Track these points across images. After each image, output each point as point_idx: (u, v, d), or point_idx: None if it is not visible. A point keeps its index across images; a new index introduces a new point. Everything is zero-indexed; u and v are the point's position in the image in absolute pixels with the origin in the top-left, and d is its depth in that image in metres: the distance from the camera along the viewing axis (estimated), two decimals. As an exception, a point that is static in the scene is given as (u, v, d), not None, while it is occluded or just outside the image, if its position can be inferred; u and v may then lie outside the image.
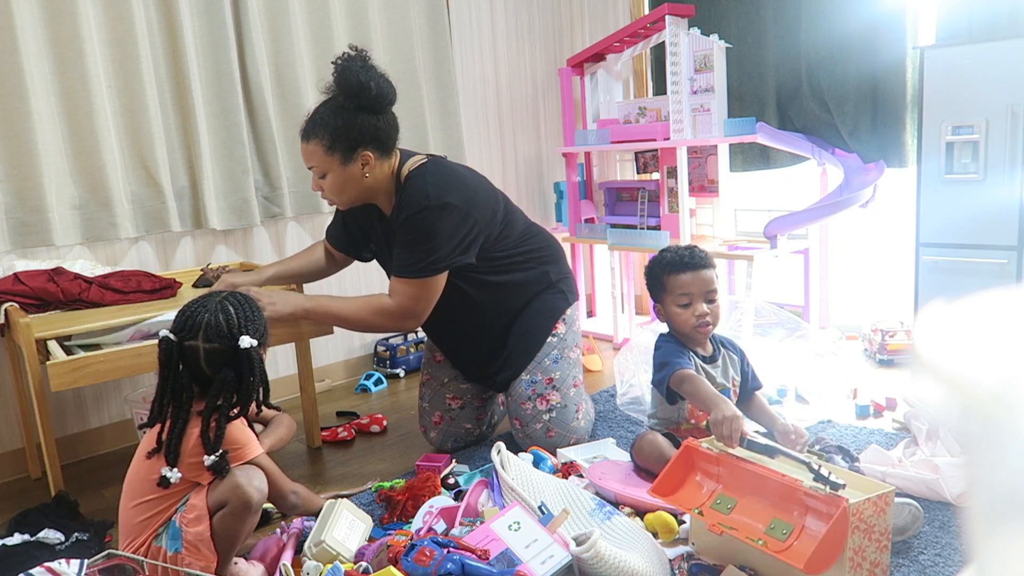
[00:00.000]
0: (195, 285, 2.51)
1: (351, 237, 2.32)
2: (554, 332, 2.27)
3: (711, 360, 2.01)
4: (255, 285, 2.14)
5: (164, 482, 1.54)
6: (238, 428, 1.61)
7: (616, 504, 1.81)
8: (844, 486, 1.42)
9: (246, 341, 1.58)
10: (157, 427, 1.59)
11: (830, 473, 1.44)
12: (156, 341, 1.63)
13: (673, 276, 1.98)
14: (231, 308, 1.63)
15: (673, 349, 1.97)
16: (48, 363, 1.89)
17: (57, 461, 2.03)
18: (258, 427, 1.83)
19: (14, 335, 2.12)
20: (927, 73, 2.38)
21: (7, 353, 2.33)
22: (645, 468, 1.94)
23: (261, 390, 1.63)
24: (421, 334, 3.37)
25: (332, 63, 2.00)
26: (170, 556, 1.53)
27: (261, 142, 2.85)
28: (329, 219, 3.14)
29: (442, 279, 2.08)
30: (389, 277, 2.22)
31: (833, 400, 2.48)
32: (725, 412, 1.67)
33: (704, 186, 3.29)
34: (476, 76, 3.60)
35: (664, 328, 2.07)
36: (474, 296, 2.18)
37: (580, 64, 3.46)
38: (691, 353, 1.98)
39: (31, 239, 2.36)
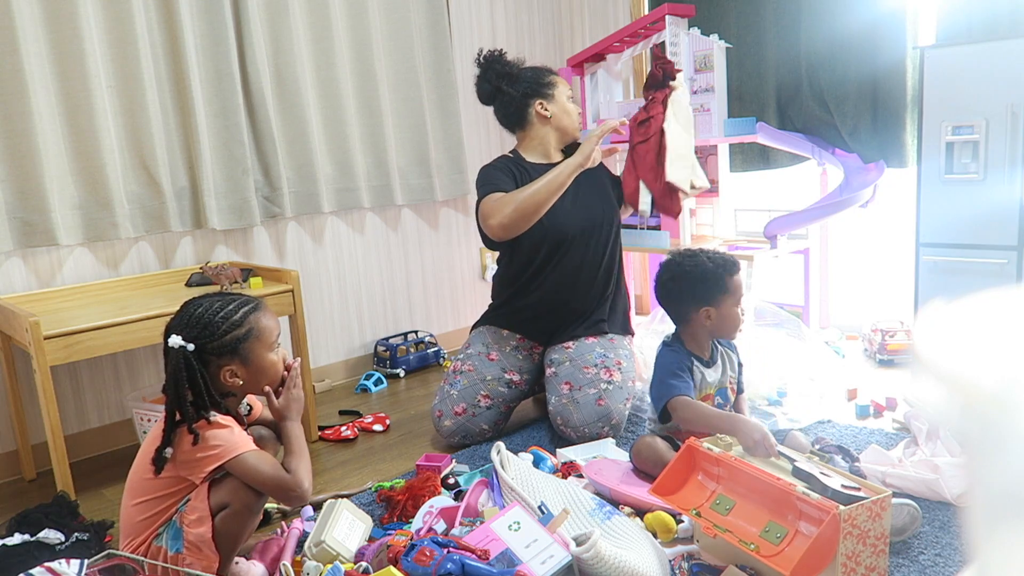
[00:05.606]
0: (188, 284, 2.51)
1: None
2: (632, 338, 2.60)
3: (710, 363, 2.00)
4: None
5: (159, 461, 1.53)
6: (216, 429, 1.54)
7: (616, 504, 1.81)
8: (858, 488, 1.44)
9: (173, 340, 1.54)
10: (160, 423, 1.59)
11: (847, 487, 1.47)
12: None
13: (732, 277, 1.96)
14: (213, 305, 1.60)
15: (677, 362, 1.94)
16: (44, 339, 1.95)
17: (66, 458, 2.04)
18: (264, 431, 1.80)
19: (14, 336, 2.12)
20: (927, 73, 2.38)
21: (1, 355, 2.33)
22: (644, 471, 1.94)
23: (201, 395, 1.54)
24: (422, 334, 3.37)
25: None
26: (171, 556, 1.53)
27: (261, 142, 2.85)
28: (328, 218, 3.15)
29: None
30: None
31: (833, 400, 2.48)
32: (754, 435, 1.65)
33: (704, 186, 3.28)
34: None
35: (663, 332, 2.06)
36: (613, 260, 2.54)
37: (580, 64, 3.45)
38: (694, 361, 1.97)
39: (36, 239, 2.36)
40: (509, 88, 2.48)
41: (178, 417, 1.55)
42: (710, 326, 1.97)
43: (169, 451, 1.54)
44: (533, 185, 2.29)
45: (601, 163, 2.56)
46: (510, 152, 2.57)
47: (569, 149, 2.58)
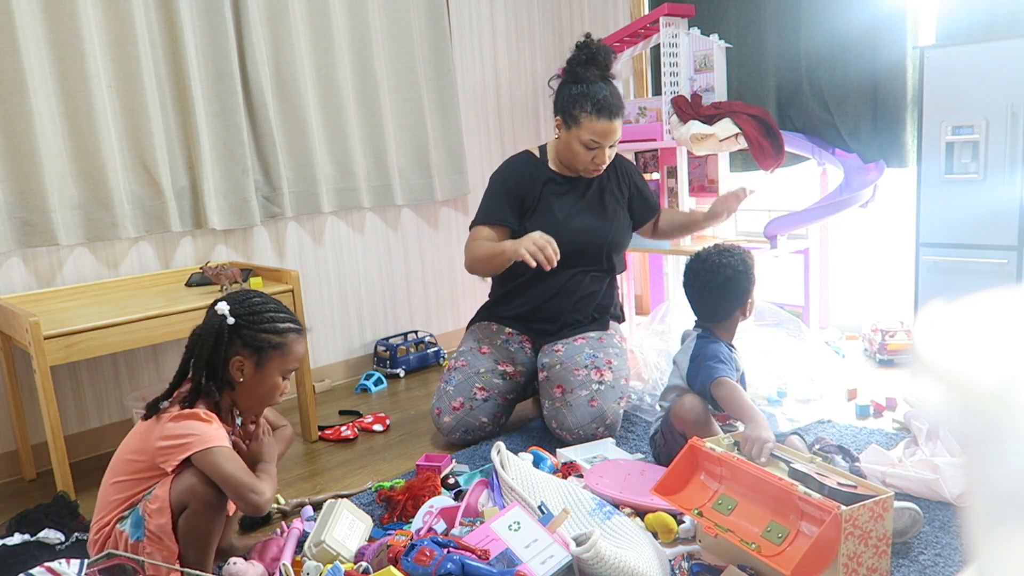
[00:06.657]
0: (188, 284, 2.51)
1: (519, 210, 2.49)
2: (622, 337, 2.56)
3: (734, 349, 2.05)
4: None
5: (151, 408, 1.57)
6: (193, 420, 1.53)
7: (616, 504, 1.81)
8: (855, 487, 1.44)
9: (221, 306, 1.60)
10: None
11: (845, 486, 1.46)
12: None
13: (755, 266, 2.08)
14: (270, 304, 1.65)
15: (722, 350, 1.96)
16: (44, 339, 1.95)
17: (66, 458, 2.03)
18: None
19: (14, 336, 2.12)
20: (927, 73, 2.38)
21: (1, 355, 2.32)
22: (682, 432, 1.91)
23: (212, 367, 1.59)
24: (422, 334, 3.37)
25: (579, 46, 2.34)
26: (131, 543, 1.50)
27: (261, 142, 2.85)
28: (328, 218, 3.15)
29: None
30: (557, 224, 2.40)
31: (833, 400, 2.48)
32: (760, 433, 1.67)
33: (704, 186, 3.28)
34: (476, 76, 3.60)
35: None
36: (613, 267, 2.53)
37: (580, 64, 3.45)
38: (731, 349, 2.01)
39: (36, 239, 2.36)
40: (559, 88, 2.40)
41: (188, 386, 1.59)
42: (747, 315, 2.05)
43: (165, 404, 1.57)
44: (485, 250, 2.33)
45: (627, 165, 2.57)
46: (537, 148, 2.54)
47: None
